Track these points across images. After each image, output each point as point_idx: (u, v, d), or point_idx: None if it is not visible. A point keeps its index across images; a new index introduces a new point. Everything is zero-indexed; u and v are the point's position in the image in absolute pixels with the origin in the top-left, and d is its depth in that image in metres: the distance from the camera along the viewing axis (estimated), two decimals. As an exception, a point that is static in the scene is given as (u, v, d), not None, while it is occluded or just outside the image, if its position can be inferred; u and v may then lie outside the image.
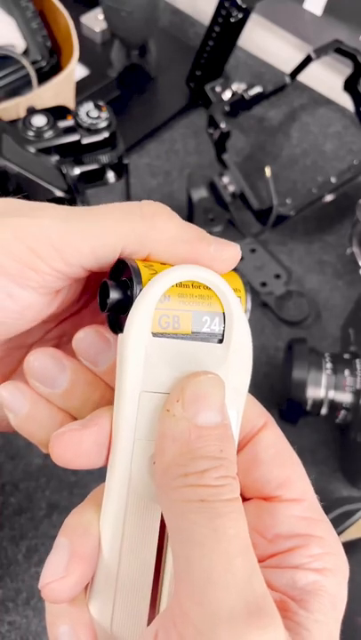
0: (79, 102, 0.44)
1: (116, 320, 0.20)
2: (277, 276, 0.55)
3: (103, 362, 0.21)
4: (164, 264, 0.20)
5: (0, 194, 0.23)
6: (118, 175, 0.46)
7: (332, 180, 0.55)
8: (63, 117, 0.43)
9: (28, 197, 0.22)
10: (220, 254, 0.20)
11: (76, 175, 0.44)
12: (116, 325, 0.20)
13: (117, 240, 0.19)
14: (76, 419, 0.21)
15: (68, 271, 0.19)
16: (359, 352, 0.45)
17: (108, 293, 0.19)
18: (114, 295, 0.19)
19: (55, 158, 0.43)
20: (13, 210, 0.20)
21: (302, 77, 0.64)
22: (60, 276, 0.20)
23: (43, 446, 0.21)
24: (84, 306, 0.24)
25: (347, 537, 0.41)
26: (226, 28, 0.58)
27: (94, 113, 0.44)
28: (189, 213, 0.57)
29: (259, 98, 0.62)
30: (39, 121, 0.42)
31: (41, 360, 0.21)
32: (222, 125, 0.55)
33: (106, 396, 0.21)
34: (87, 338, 0.21)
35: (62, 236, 0.19)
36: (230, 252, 0.20)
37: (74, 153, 0.44)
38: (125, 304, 0.19)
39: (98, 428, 0.19)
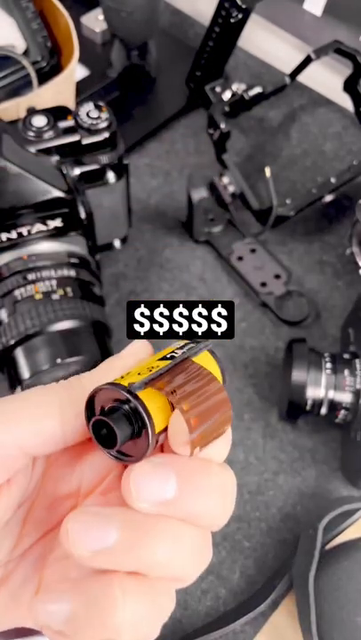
0: (79, 103, 0.44)
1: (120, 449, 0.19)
2: (277, 277, 0.55)
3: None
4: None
5: None
6: (118, 175, 0.46)
7: (332, 180, 0.55)
8: (63, 118, 0.43)
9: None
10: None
11: (76, 175, 0.44)
12: (122, 453, 0.19)
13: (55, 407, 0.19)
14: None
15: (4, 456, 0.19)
16: (359, 352, 0.45)
17: (110, 430, 0.18)
18: (122, 432, 0.18)
19: (55, 158, 0.43)
20: None
21: (302, 78, 0.64)
22: None
23: None
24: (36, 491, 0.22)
25: (347, 537, 0.42)
26: (226, 28, 0.58)
27: (94, 113, 0.44)
28: (189, 213, 0.57)
29: (259, 98, 0.62)
30: (39, 121, 0.42)
31: (81, 521, 0.18)
32: (222, 126, 0.56)
33: None
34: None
35: None
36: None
37: (74, 153, 0.44)
38: (134, 430, 0.18)
39: None
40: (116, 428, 0.18)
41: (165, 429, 0.18)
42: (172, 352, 0.19)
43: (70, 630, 0.17)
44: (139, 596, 0.18)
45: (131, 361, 0.20)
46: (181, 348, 0.20)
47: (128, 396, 0.18)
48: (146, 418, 0.18)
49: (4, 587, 0.21)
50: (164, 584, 0.19)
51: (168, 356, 0.19)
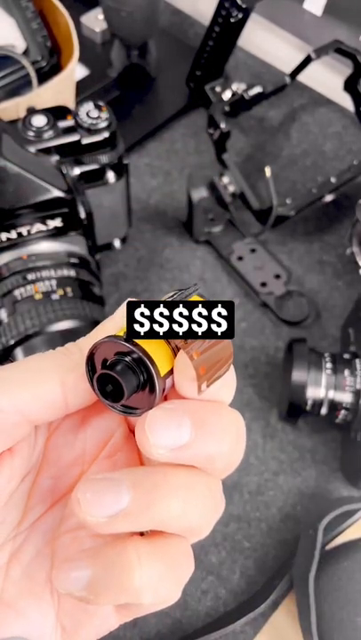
0: (79, 102, 0.44)
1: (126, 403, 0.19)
2: (277, 276, 0.55)
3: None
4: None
5: None
6: (118, 175, 0.46)
7: (332, 180, 0.55)
8: (63, 117, 0.43)
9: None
10: None
11: (76, 175, 0.44)
12: (129, 408, 0.19)
13: (57, 375, 0.19)
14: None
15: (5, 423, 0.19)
16: (359, 352, 0.45)
17: (115, 384, 0.18)
18: (128, 383, 0.18)
19: (55, 158, 0.43)
20: None
21: (302, 77, 0.64)
22: None
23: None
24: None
25: (347, 537, 0.41)
26: (226, 28, 0.58)
27: (94, 113, 0.44)
28: (189, 213, 0.57)
29: (259, 98, 0.62)
30: (39, 121, 0.42)
31: (91, 489, 0.18)
32: (222, 125, 0.55)
33: None
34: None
35: None
36: None
37: (74, 153, 0.44)
38: (141, 381, 0.18)
39: None
40: (122, 379, 0.18)
41: (170, 373, 0.19)
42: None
43: (91, 595, 0.18)
44: (155, 559, 0.18)
45: (124, 321, 0.20)
46: (172, 296, 0.20)
47: (126, 344, 0.18)
48: (147, 361, 0.18)
49: (15, 562, 0.21)
50: (179, 543, 0.19)
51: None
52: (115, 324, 0.20)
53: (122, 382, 0.18)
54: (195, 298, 0.20)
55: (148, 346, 0.18)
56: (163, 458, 0.18)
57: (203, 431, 0.18)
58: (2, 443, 0.19)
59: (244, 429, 0.20)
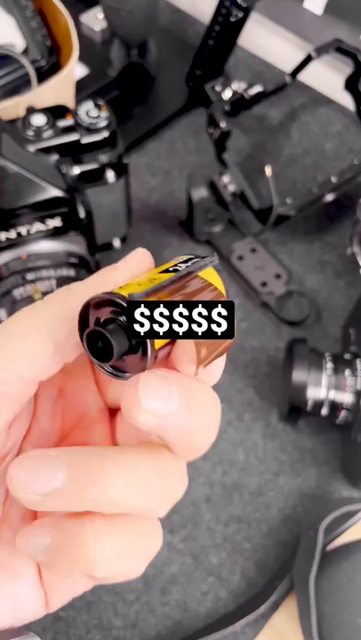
0: (79, 101, 0.44)
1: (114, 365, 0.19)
2: (278, 276, 0.55)
3: None
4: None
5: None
6: (118, 175, 0.46)
7: (333, 179, 0.55)
8: (63, 117, 0.43)
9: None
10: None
11: (76, 175, 0.44)
12: (117, 369, 0.19)
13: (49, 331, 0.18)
14: None
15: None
16: (360, 352, 0.45)
17: (105, 343, 0.17)
18: (120, 344, 0.17)
19: (54, 158, 0.43)
20: None
21: (303, 76, 0.64)
22: None
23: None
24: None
25: (347, 538, 0.41)
26: (226, 26, 0.58)
27: (94, 112, 0.44)
28: (189, 213, 0.56)
29: (259, 97, 0.61)
30: (38, 120, 0.42)
31: (25, 466, 0.18)
32: (222, 125, 0.55)
33: None
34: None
35: None
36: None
37: (73, 152, 0.44)
38: (133, 343, 0.18)
39: None
40: (113, 338, 0.17)
41: (164, 346, 0.18)
42: (176, 265, 0.19)
43: (48, 561, 0.18)
44: (111, 535, 0.18)
45: (128, 274, 0.20)
46: (185, 262, 0.19)
47: (124, 302, 0.17)
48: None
49: (6, 525, 0.21)
50: (140, 520, 0.19)
51: (171, 269, 0.19)
52: (119, 275, 0.19)
53: (112, 342, 0.17)
54: (209, 271, 0.20)
55: None
56: (147, 424, 0.17)
57: (189, 405, 0.18)
58: (13, 409, 0.19)
59: (220, 413, 0.20)
